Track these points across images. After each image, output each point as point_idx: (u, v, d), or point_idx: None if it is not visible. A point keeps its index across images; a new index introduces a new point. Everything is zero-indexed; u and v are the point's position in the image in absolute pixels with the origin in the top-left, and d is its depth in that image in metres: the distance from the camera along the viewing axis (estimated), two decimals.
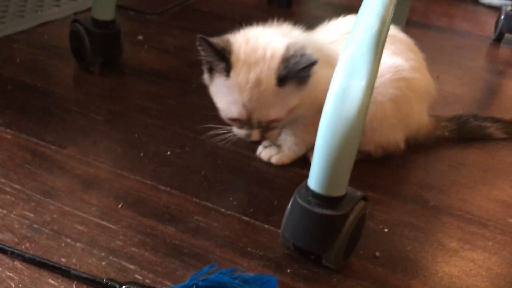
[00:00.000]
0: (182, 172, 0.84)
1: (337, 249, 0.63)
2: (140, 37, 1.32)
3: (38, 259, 0.64)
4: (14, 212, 0.72)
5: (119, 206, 0.75)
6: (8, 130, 0.90)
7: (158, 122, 0.97)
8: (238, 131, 0.80)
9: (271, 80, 0.74)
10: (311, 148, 0.86)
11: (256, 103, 0.75)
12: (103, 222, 0.72)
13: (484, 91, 1.27)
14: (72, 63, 1.14)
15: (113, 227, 0.71)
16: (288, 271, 0.67)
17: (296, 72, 0.73)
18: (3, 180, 0.77)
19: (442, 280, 0.68)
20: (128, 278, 0.63)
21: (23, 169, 0.81)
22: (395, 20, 1.01)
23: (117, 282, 0.60)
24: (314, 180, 0.61)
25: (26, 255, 0.64)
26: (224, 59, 0.75)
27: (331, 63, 0.75)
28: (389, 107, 0.83)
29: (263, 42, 0.75)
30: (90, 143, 0.88)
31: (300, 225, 0.63)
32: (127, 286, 0.60)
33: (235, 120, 0.78)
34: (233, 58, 0.75)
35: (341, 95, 0.59)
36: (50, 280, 0.62)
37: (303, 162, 0.88)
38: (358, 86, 0.59)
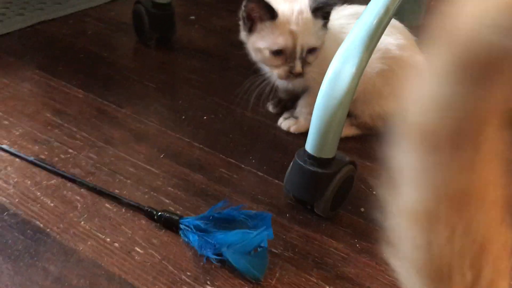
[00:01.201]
0: (214, 133, 1.02)
1: (325, 200, 0.80)
2: (192, 17, 1.50)
3: (98, 188, 0.85)
4: (82, 154, 0.93)
5: (161, 156, 0.95)
6: (79, 90, 1.11)
7: (198, 92, 1.16)
8: (280, 70, 0.93)
9: (308, 11, 0.91)
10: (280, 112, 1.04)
11: (301, 28, 0.91)
12: (148, 167, 0.92)
13: None
14: (133, 37, 1.34)
15: (156, 171, 0.91)
16: (287, 215, 0.85)
17: (323, 3, 0.91)
18: (74, 129, 0.99)
19: None
20: (164, 208, 0.82)
21: (90, 122, 1.02)
22: (409, 19, 1.15)
23: (155, 209, 0.80)
24: (309, 144, 0.78)
25: (90, 185, 0.85)
26: (270, 9, 0.90)
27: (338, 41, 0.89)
28: (378, 80, 0.97)
29: None
30: (143, 105, 1.09)
31: (297, 179, 0.81)
32: (161, 212, 0.80)
33: (279, 54, 0.92)
34: (274, 5, 0.90)
35: (335, 78, 0.75)
36: (106, 205, 0.83)
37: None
38: (349, 72, 0.75)
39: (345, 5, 1.04)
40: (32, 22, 1.36)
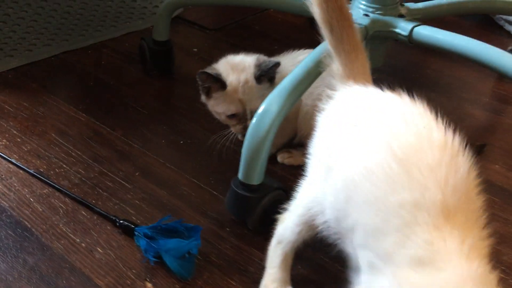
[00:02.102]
0: (186, 156, 1.21)
1: (253, 219, 0.97)
2: (195, 49, 1.70)
3: (78, 198, 1.06)
4: (73, 169, 1.14)
5: (137, 173, 1.14)
6: (83, 114, 1.33)
7: (183, 119, 1.35)
8: (236, 128, 1.12)
9: (252, 79, 1.08)
10: (280, 148, 1.19)
11: (247, 96, 1.08)
12: (123, 182, 1.12)
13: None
14: (140, 67, 1.56)
15: (129, 186, 1.11)
16: (227, 229, 1.02)
17: (266, 70, 1.08)
18: (71, 147, 1.21)
19: None
20: (126, 217, 1.01)
21: (85, 142, 1.23)
22: (372, 61, 1.29)
23: (118, 218, 1.00)
24: (240, 172, 0.95)
25: (72, 195, 1.06)
26: (219, 80, 1.09)
27: None
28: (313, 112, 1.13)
29: (237, 60, 1.12)
30: (132, 129, 1.29)
31: (232, 201, 0.98)
32: (122, 221, 0.99)
33: (232, 117, 1.10)
34: (225, 76, 1.09)
35: (262, 116, 0.93)
36: (82, 212, 1.04)
37: (274, 160, 1.20)
38: (273, 112, 0.92)
39: (301, 50, 1.20)
40: (57, 52, 1.60)
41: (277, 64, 1.09)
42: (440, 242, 0.60)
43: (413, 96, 0.76)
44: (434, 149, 0.65)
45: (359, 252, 0.69)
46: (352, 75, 0.80)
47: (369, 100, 0.76)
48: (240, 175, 0.96)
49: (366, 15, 1.21)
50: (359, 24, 1.17)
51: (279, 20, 1.96)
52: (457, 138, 0.68)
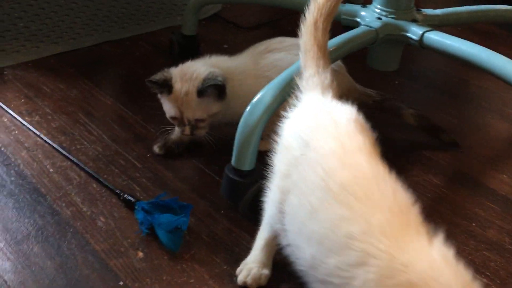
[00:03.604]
0: (195, 143, 1.28)
1: (243, 203, 1.02)
2: (226, 46, 1.78)
3: (91, 172, 1.15)
4: (92, 146, 1.25)
5: (148, 155, 1.23)
6: (110, 98, 1.44)
7: None
8: (176, 129, 1.19)
9: (194, 92, 1.13)
10: None
11: (185, 107, 1.14)
12: (134, 161, 1.20)
13: None
14: (169, 60, 1.65)
15: (138, 165, 1.20)
16: (222, 212, 1.08)
17: (206, 87, 1.12)
18: (94, 127, 1.31)
19: None
20: (131, 193, 1.10)
21: (108, 123, 1.33)
22: (387, 65, 1.32)
23: (122, 192, 1.08)
24: (233, 158, 1.01)
25: (87, 169, 1.16)
26: (167, 86, 1.15)
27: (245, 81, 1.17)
28: None
29: (192, 69, 1.16)
30: (151, 114, 1.36)
31: (225, 185, 1.04)
32: (126, 195, 1.07)
33: (174, 119, 1.17)
34: (173, 82, 1.14)
35: (253, 108, 0.98)
36: (93, 185, 1.13)
37: None
38: (266, 102, 0.98)
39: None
40: (98, 41, 1.73)
41: (218, 86, 1.13)
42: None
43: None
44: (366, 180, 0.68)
45: None
46: (311, 88, 0.84)
47: (315, 118, 0.79)
48: (232, 161, 1.02)
49: (379, 18, 1.24)
50: (370, 27, 1.21)
51: None
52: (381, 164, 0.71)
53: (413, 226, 0.66)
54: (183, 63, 1.22)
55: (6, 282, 0.92)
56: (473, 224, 1.09)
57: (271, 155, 0.85)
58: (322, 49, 0.87)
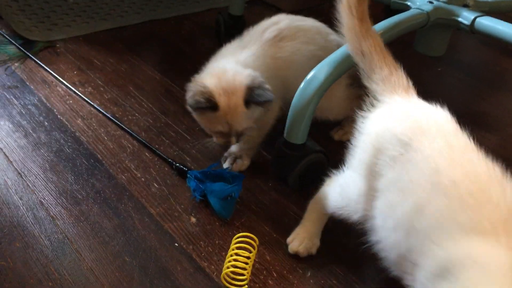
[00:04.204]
0: None
1: (293, 176, 1.05)
2: None
3: (144, 141, 1.20)
4: (143, 118, 1.29)
5: (197, 128, 1.26)
6: (158, 73, 1.48)
7: None
8: (219, 140, 1.07)
9: (242, 105, 1.03)
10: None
11: (235, 119, 1.03)
12: (184, 134, 1.25)
13: None
14: (213, 40, 1.68)
15: (188, 138, 1.23)
16: (270, 184, 1.11)
17: (258, 103, 1.03)
18: (144, 100, 1.36)
19: None
20: (182, 162, 1.14)
21: (157, 97, 1.38)
22: (434, 49, 1.32)
23: (174, 161, 1.13)
24: (285, 131, 1.04)
25: (140, 139, 1.21)
26: (212, 105, 1.02)
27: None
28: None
29: (230, 76, 1.03)
30: None
31: (275, 158, 1.08)
32: (178, 164, 1.11)
33: (218, 133, 1.06)
34: (217, 97, 1.01)
35: (307, 84, 1.01)
36: (146, 153, 1.18)
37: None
38: (317, 83, 1.00)
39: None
40: (144, 19, 1.77)
41: (268, 102, 1.03)
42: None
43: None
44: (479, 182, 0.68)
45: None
46: (391, 89, 0.84)
47: (413, 120, 0.78)
48: (285, 134, 1.05)
49: (431, 2, 1.25)
50: (422, 10, 1.22)
51: None
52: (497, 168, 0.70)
53: None
54: (208, 61, 1.17)
55: (67, 237, 0.97)
56: None
57: (352, 149, 0.86)
58: (382, 48, 0.87)
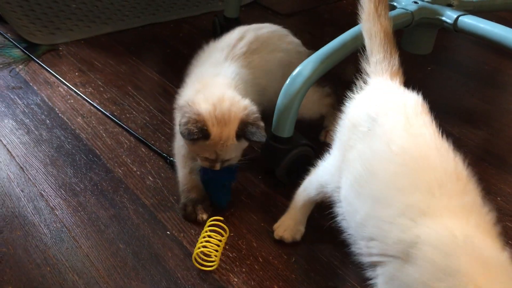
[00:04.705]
0: None
1: (281, 168, 1.10)
2: None
3: (140, 138, 1.25)
4: (140, 115, 1.35)
5: None
6: (157, 74, 1.54)
7: None
8: (204, 163, 1.05)
9: (234, 137, 1.01)
10: None
11: (223, 150, 1.02)
12: None
13: None
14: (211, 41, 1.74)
15: None
16: (259, 177, 1.16)
17: (249, 139, 1.02)
18: (142, 99, 1.41)
19: None
20: None
21: (154, 96, 1.43)
22: (421, 48, 1.37)
23: (168, 156, 1.18)
24: (273, 125, 1.09)
25: (136, 135, 1.26)
26: (205, 134, 0.99)
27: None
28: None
29: (226, 107, 1.01)
30: None
31: (265, 152, 1.12)
32: (172, 159, 1.16)
33: (204, 158, 1.04)
34: (210, 126, 0.99)
35: (293, 80, 1.06)
36: (142, 149, 1.23)
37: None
38: (302, 78, 1.05)
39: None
40: (144, 23, 1.83)
41: (261, 141, 1.03)
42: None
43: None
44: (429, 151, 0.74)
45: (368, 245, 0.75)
46: (379, 72, 0.89)
47: (384, 100, 0.85)
48: (272, 128, 1.10)
49: (416, 2, 1.30)
50: (407, 10, 1.27)
51: (349, 11, 2.07)
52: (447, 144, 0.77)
53: (468, 194, 0.71)
54: (192, 66, 1.21)
55: (65, 226, 1.02)
56: (498, 199, 1.14)
57: (335, 130, 0.91)
58: (388, 35, 0.92)
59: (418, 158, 0.73)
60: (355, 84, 0.90)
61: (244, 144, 1.05)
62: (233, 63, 1.16)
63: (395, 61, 0.90)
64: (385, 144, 0.76)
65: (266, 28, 1.29)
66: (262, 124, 1.02)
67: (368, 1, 0.93)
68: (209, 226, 0.98)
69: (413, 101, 0.82)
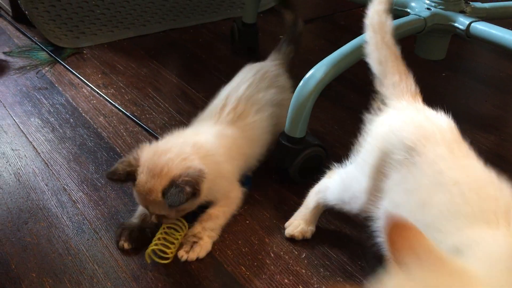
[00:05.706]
0: None
1: (293, 168, 1.14)
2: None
3: (159, 136, 1.30)
4: (159, 116, 1.40)
5: None
6: (176, 77, 1.59)
7: None
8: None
9: (159, 191, 0.93)
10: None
11: (148, 203, 0.96)
12: None
13: None
14: (229, 47, 1.79)
15: None
16: (273, 176, 1.20)
17: (169, 204, 0.91)
18: (162, 101, 1.47)
19: None
20: None
21: (173, 98, 1.48)
22: (434, 54, 1.39)
23: None
24: (286, 126, 1.13)
25: (155, 134, 1.31)
26: (131, 178, 0.96)
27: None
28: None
29: (165, 159, 0.95)
30: (212, 92, 1.50)
31: (278, 151, 1.16)
32: None
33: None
34: (139, 172, 0.95)
35: (306, 82, 1.10)
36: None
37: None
38: (315, 81, 1.09)
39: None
40: (165, 28, 1.89)
41: (173, 205, 0.92)
42: None
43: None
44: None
45: None
46: (399, 94, 0.91)
47: (417, 126, 0.84)
48: (285, 128, 1.13)
49: (429, 8, 1.33)
50: (419, 16, 1.30)
51: (364, 18, 2.10)
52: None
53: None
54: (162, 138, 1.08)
55: (86, 219, 1.07)
56: None
57: (357, 148, 0.92)
58: (398, 58, 0.94)
59: (475, 188, 0.73)
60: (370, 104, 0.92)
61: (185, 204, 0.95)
62: (219, 128, 1.13)
63: (411, 81, 0.92)
64: (433, 176, 0.76)
65: (254, 76, 1.28)
66: (188, 189, 0.93)
67: (373, 34, 0.95)
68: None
69: (447, 126, 0.83)
